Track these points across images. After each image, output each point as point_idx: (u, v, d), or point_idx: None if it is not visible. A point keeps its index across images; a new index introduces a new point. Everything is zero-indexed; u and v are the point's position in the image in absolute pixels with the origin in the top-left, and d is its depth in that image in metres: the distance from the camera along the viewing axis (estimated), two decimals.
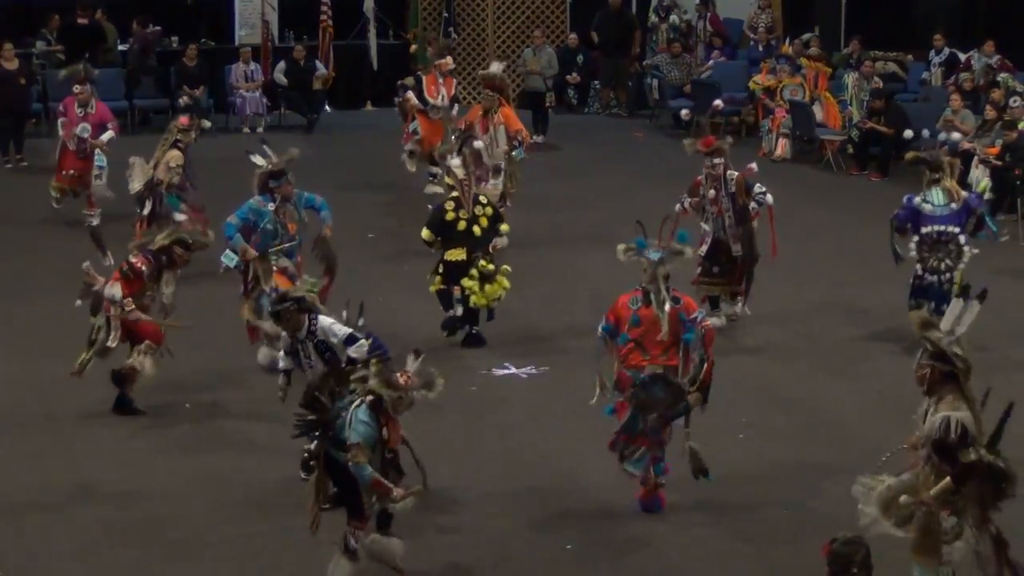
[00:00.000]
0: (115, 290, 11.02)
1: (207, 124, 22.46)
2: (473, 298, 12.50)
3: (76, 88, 16.39)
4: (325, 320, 9.54)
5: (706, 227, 12.93)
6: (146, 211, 14.49)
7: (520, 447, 10.53)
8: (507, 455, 10.35)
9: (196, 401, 11.31)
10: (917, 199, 12.75)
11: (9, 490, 9.66)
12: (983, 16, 23.61)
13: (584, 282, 14.22)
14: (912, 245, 12.69)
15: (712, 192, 12.81)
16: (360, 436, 8.04)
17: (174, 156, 14.69)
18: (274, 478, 9.71)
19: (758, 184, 12.93)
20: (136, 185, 14.60)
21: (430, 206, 13.88)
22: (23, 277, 14.72)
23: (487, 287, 12.49)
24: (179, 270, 11.35)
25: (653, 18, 24.77)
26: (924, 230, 12.58)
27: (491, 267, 12.50)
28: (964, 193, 12.98)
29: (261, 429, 10.76)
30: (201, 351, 11.87)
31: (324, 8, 23.84)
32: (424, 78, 17.55)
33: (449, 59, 17.79)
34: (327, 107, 23.74)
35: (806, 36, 23.30)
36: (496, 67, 16.14)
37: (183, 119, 15.36)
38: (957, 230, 12.60)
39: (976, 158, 18.14)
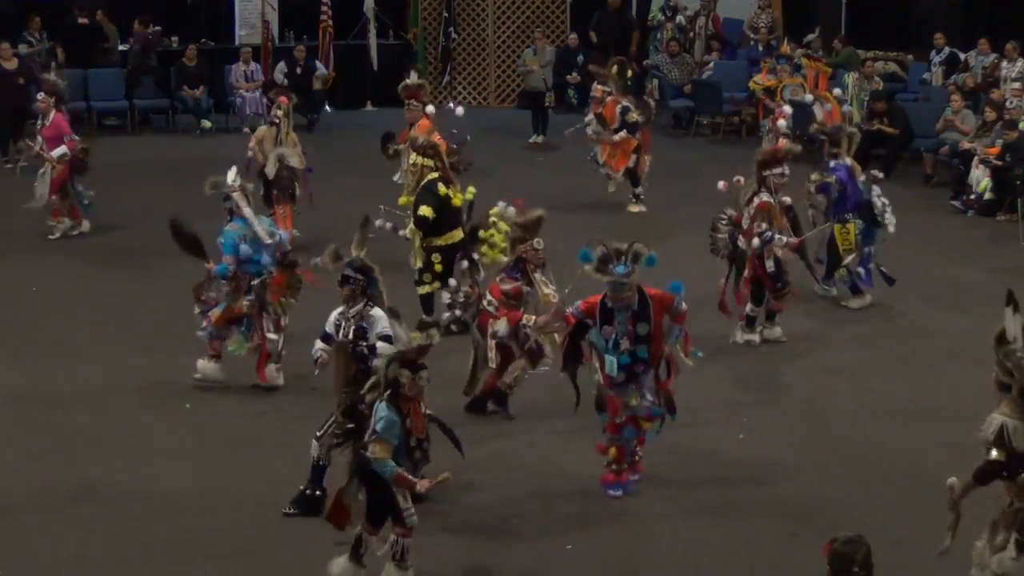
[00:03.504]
0: (500, 327, 10.65)
1: (207, 124, 22.59)
2: (490, 255, 11.99)
3: (39, 96, 16.25)
4: (379, 312, 9.19)
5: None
6: (298, 192, 15.28)
7: (520, 447, 10.52)
8: (507, 455, 10.34)
9: (196, 401, 11.30)
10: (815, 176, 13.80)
11: (9, 490, 9.65)
12: (983, 16, 23.61)
13: (584, 282, 14.16)
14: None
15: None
16: (381, 429, 7.94)
17: (293, 138, 15.38)
18: (274, 478, 9.70)
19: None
20: (271, 171, 15.14)
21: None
22: (24, 278, 14.71)
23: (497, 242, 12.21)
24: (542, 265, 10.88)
25: (660, 16, 24.75)
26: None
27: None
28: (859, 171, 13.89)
29: (262, 429, 10.76)
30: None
31: (324, 8, 23.87)
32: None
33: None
34: (327, 107, 23.75)
35: (808, 37, 23.31)
36: (415, 76, 15.96)
37: (283, 98, 15.82)
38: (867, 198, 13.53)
39: (976, 158, 18.17)
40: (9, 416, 11.03)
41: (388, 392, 8.02)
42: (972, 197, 18.01)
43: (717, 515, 9.44)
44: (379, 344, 8.99)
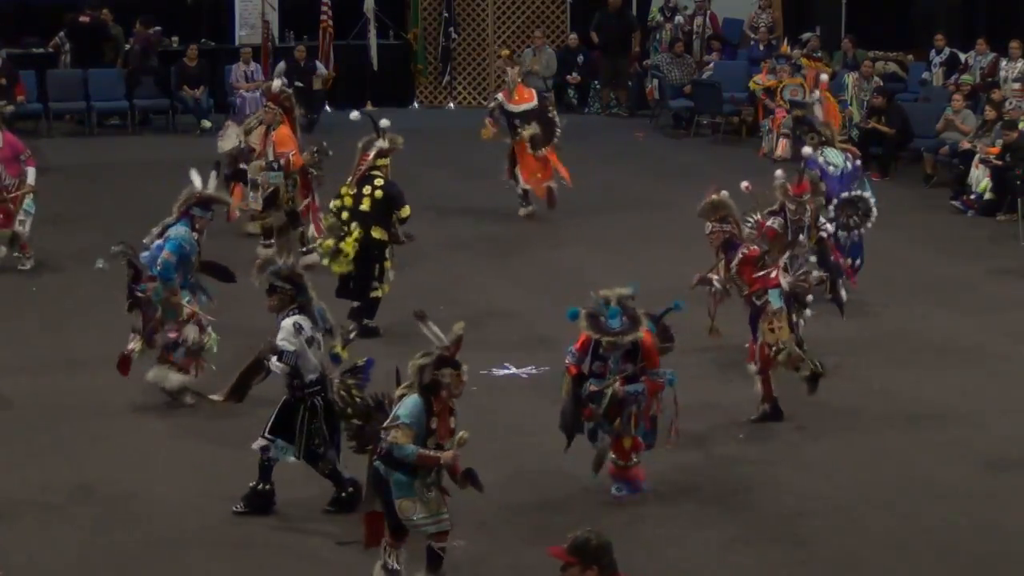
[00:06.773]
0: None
1: (207, 124, 22.58)
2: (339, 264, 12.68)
3: None
4: (286, 321, 9.09)
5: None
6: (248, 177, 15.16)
7: (520, 447, 10.52)
8: (507, 455, 10.34)
9: (196, 401, 11.29)
10: (820, 158, 13.58)
11: (9, 490, 9.65)
12: (983, 16, 23.63)
13: (584, 282, 14.15)
14: (830, 209, 13.25)
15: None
16: (405, 414, 7.82)
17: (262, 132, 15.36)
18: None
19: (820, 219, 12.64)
20: (227, 145, 15.19)
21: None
22: (23, 280, 14.71)
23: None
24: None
25: (659, 17, 24.77)
26: (839, 197, 13.43)
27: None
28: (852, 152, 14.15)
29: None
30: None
31: (324, 8, 23.88)
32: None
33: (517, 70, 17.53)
34: (327, 107, 23.75)
35: (806, 36, 23.33)
36: (277, 83, 15.97)
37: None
38: (861, 192, 13.51)
39: (976, 158, 18.18)
40: (9, 417, 11.04)
41: (424, 388, 7.88)
42: (972, 197, 18.01)
43: (716, 516, 9.44)
44: (272, 361, 8.98)
